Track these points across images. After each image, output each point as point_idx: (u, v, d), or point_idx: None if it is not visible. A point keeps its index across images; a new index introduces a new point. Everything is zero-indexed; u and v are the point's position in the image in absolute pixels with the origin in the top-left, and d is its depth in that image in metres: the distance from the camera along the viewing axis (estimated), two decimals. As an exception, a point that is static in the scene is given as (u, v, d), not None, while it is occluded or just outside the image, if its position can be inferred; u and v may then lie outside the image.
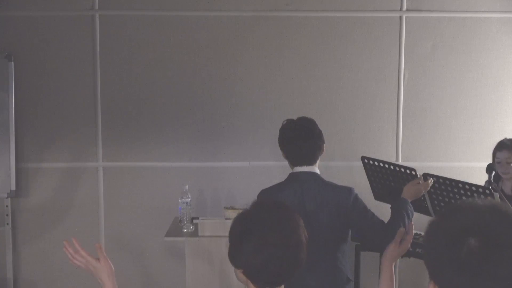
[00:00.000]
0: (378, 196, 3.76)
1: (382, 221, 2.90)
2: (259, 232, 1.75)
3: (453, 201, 3.40)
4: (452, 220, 1.28)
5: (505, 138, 3.92)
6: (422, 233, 3.96)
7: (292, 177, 3.00)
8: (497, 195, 3.24)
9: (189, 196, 4.09)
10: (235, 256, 1.80)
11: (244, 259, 1.77)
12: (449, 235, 1.26)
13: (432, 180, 3.26)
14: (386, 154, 4.44)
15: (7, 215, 4.44)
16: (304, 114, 3.12)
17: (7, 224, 4.45)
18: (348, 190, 2.94)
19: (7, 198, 4.39)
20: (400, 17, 4.45)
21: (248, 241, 1.76)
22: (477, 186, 3.29)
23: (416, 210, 3.20)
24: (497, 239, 1.22)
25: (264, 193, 3.01)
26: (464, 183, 3.32)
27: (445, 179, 3.38)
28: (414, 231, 3.91)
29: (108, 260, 1.97)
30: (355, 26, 4.46)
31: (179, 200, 4.11)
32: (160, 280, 4.58)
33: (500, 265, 1.21)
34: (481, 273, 1.21)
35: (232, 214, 3.67)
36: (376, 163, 3.61)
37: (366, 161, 3.68)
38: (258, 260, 1.74)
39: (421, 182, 3.16)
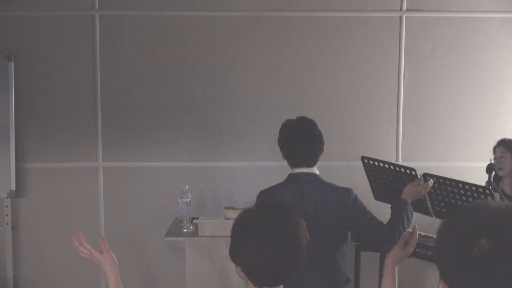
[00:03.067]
0: (378, 196, 3.76)
1: (381, 222, 2.89)
2: (258, 232, 1.77)
3: (453, 201, 3.40)
4: (464, 221, 1.28)
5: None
6: (422, 233, 3.96)
7: (292, 177, 2.99)
8: (497, 195, 3.24)
9: (189, 196, 4.10)
10: (235, 253, 1.82)
11: (243, 258, 1.79)
12: (460, 235, 1.26)
13: (432, 181, 3.25)
14: (386, 154, 4.44)
15: (7, 215, 4.44)
16: (304, 114, 3.08)
17: (7, 224, 4.45)
18: (348, 191, 2.92)
19: (7, 198, 4.39)
20: (400, 17, 4.45)
21: (247, 240, 1.77)
22: (477, 186, 3.29)
23: (416, 210, 3.20)
24: (508, 240, 1.22)
25: (263, 194, 3.00)
26: (464, 183, 3.32)
27: (445, 179, 3.38)
28: (414, 231, 3.96)
29: (111, 252, 2.01)
30: (355, 26, 4.46)
31: (179, 200, 4.11)
32: (160, 280, 4.58)
33: (510, 266, 1.21)
34: (491, 273, 1.21)
35: (232, 214, 3.67)
36: (376, 163, 3.62)
37: (366, 161, 3.68)
38: (256, 260, 1.76)
39: (421, 183, 3.15)
